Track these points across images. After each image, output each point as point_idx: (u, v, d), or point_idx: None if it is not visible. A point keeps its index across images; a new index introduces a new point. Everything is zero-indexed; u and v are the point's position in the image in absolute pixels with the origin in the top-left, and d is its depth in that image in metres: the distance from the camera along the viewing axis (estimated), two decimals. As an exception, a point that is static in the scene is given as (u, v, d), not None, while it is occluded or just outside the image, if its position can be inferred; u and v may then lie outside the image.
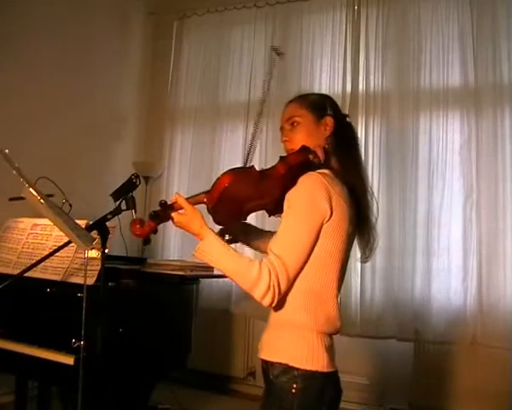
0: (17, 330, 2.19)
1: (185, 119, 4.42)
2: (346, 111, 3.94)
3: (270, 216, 1.51)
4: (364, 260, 1.55)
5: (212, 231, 1.36)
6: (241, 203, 1.42)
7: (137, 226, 1.36)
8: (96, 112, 3.98)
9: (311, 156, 1.43)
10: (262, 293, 1.27)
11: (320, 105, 1.52)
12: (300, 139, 1.47)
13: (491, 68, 3.37)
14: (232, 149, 4.12)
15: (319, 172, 1.39)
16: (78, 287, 1.99)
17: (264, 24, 4.14)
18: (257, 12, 4.17)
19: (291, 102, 1.56)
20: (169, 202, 1.39)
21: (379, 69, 3.69)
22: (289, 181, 1.37)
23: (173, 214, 1.36)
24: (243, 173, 1.41)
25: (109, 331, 2.00)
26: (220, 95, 4.24)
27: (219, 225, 1.46)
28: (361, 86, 3.72)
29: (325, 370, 1.35)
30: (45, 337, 2.08)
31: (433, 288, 3.36)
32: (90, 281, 2.02)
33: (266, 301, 1.29)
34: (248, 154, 1.55)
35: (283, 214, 1.37)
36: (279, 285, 1.28)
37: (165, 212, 1.36)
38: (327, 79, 3.87)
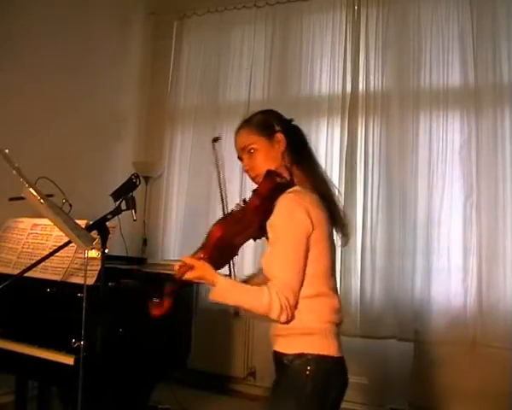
0: (17, 330, 2.19)
1: (185, 119, 4.42)
2: (346, 111, 3.98)
3: (255, 241, 1.63)
4: (345, 242, 1.67)
5: (221, 274, 1.46)
6: (232, 244, 1.55)
7: (156, 309, 1.45)
8: (96, 112, 3.97)
9: (278, 179, 1.54)
10: (277, 314, 1.40)
11: (267, 124, 1.61)
12: (261, 164, 1.58)
13: (491, 68, 3.38)
14: (232, 149, 4.11)
15: (291, 192, 1.51)
16: (78, 287, 1.99)
17: (264, 24, 4.14)
18: (257, 12, 4.17)
19: (239, 129, 1.65)
20: (177, 266, 1.47)
21: (379, 69, 3.69)
22: (266, 208, 1.50)
23: (186, 274, 1.45)
24: (228, 220, 1.54)
25: (109, 331, 2.00)
26: (220, 95, 4.24)
27: (217, 269, 1.53)
28: (361, 86, 3.72)
29: (335, 355, 1.48)
30: (45, 337, 2.08)
31: (433, 288, 3.36)
32: (90, 281, 2.02)
33: (283, 319, 1.42)
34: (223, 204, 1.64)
35: (271, 240, 1.49)
36: (289, 302, 1.40)
37: (176, 283, 1.47)
38: (327, 79, 3.87)
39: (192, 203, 4.18)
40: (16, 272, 2.19)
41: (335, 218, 1.59)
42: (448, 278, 3.36)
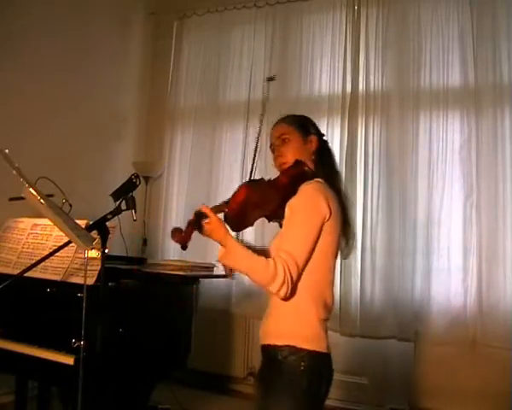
0: (17, 330, 2.19)
1: (185, 119, 4.42)
2: (346, 111, 3.97)
3: (269, 222, 1.69)
4: (344, 256, 1.75)
5: (232, 237, 1.52)
6: (250, 213, 1.60)
7: (177, 234, 1.51)
8: (96, 112, 3.97)
9: (306, 168, 1.65)
10: (278, 287, 1.45)
11: (305, 125, 1.74)
12: (291, 154, 1.68)
13: (491, 68, 3.38)
14: (232, 149, 4.12)
15: (316, 181, 1.62)
16: (78, 287, 1.99)
17: (264, 24, 4.14)
18: (257, 12, 4.17)
19: (279, 121, 1.76)
20: (197, 211, 1.53)
21: (379, 69, 3.69)
22: (290, 189, 1.59)
23: (203, 223, 1.50)
24: (256, 185, 1.64)
25: (109, 331, 2.00)
26: (220, 95, 4.24)
27: (233, 231, 1.61)
28: (361, 86, 3.72)
29: (325, 351, 1.55)
30: (45, 337, 2.08)
31: (433, 288, 3.36)
32: (90, 281, 2.02)
33: (282, 293, 1.46)
34: (252, 170, 1.83)
35: (287, 219, 1.55)
36: (292, 278, 1.46)
37: (198, 220, 1.51)
38: (327, 79, 3.87)
39: (192, 203, 4.17)
40: (16, 272, 2.19)
41: (345, 223, 1.66)
42: (448, 278, 3.36)
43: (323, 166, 1.71)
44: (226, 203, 1.58)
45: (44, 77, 3.50)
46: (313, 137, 1.71)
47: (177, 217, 4.27)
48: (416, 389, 3.40)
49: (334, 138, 3.73)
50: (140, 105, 4.54)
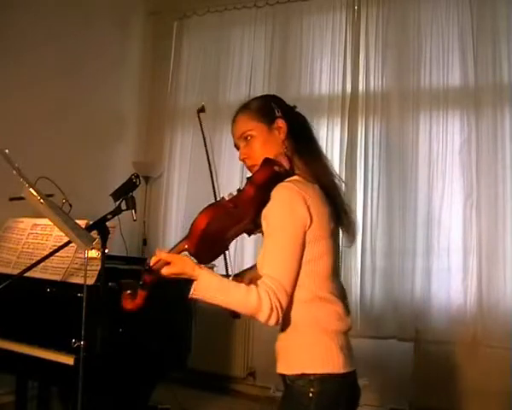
0: (17, 330, 2.19)
1: (185, 119, 4.42)
2: (346, 111, 3.96)
3: (249, 236, 1.49)
4: (349, 244, 1.52)
5: (205, 268, 1.31)
6: (221, 237, 1.39)
7: (128, 301, 1.28)
8: (97, 112, 3.97)
9: (276, 168, 1.38)
10: (267, 316, 1.24)
11: (267, 109, 1.46)
12: (259, 152, 1.43)
13: (491, 68, 3.38)
14: (232, 149, 4.10)
15: (289, 181, 1.37)
16: (78, 287, 1.99)
17: (264, 24, 4.14)
18: (257, 12, 4.17)
19: (236, 116, 1.51)
20: (152, 263, 1.31)
21: (379, 69, 3.69)
22: (262, 198, 1.35)
23: (162, 270, 1.29)
24: (216, 209, 1.35)
25: (109, 331, 2.00)
26: (220, 95, 4.24)
27: (204, 263, 1.38)
28: (361, 86, 3.72)
29: (341, 371, 1.32)
30: (45, 337, 2.08)
31: (433, 288, 3.37)
32: (90, 281, 2.02)
33: (272, 322, 1.25)
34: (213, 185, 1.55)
35: (265, 232, 1.34)
36: (280, 303, 1.25)
37: (151, 274, 1.30)
38: (327, 80, 3.87)
39: (192, 203, 4.18)
40: (16, 272, 2.18)
41: (340, 214, 1.44)
42: (448, 278, 3.36)
43: (300, 154, 1.44)
44: (186, 239, 1.32)
45: (44, 77, 3.49)
46: (280, 122, 1.43)
47: (177, 217, 4.27)
48: (415, 388, 3.40)
49: (334, 138, 3.75)
50: (140, 105, 4.54)
